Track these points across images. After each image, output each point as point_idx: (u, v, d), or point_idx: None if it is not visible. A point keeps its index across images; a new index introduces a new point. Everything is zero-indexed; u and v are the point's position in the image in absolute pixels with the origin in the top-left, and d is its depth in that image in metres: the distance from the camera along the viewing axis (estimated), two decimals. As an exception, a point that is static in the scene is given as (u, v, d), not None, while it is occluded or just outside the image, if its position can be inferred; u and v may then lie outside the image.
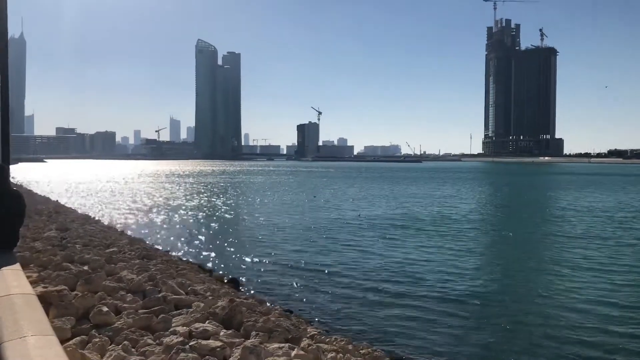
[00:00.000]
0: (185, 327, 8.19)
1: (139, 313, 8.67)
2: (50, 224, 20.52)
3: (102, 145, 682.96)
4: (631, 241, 28.93)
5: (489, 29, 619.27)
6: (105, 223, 31.69)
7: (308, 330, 10.72)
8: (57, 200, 44.83)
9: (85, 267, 11.73)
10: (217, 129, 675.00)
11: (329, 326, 13.99)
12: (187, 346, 7.06)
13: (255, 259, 23.79)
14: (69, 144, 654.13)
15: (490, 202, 60.66)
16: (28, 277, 9.72)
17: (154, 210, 46.96)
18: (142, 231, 32.56)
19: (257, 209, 48.73)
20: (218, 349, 7.23)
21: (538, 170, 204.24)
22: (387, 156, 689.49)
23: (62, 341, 6.82)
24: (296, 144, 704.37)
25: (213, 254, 25.26)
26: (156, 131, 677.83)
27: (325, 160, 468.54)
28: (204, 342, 7.36)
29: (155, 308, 9.14)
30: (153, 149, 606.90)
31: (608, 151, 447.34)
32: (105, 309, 8.27)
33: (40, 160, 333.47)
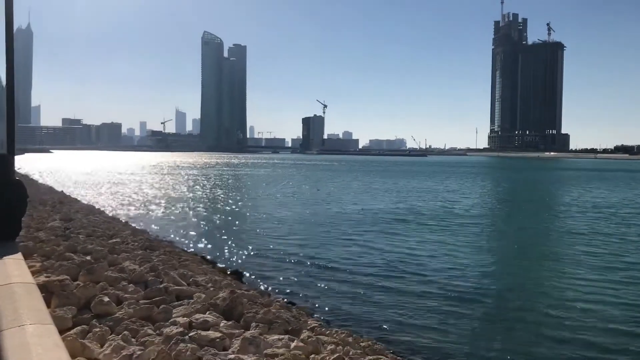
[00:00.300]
0: (185, 318, 8.23)
1: (140, 303, 8.72)
2: (54, 214, 20.62)
3: (108, 137, 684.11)
4: (635, 238, 28.82)
5: (496, 23, 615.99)
6: (109, 214, 31.83)
7: (308, 322, 10.75)
8: (61, 191, 45.02)
9: (88, 257, 11.79)
10: (222, 121, 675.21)
11: (330, 318, 14.02)
12: (187, 337, 7.10)
13: (259, 251, 23.84)
14: (75, 135, 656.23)
15: (494, 197, 60.54)
16: (31, 266, 9.78)
17: (159, 201, 47.09)
18: (146, 222, 32.65)
19: (261, 202, 48.81)
20: (218, 339, 7.27)
21: (543, 165, 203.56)
22: (392, 150, 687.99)
23: (63, 330, 6.88)
24: (301, 137, 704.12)
25: (216, 246, 25.32)
26: (162, 123, 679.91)
27: (330, 154, 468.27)
28: (203, 332, 7.40)
29: (157, 299, 9.18)
30: (158, 141, 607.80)
31: (614, 147, 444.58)
32: (106, 299, 8.32)
33: (46, 150, 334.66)
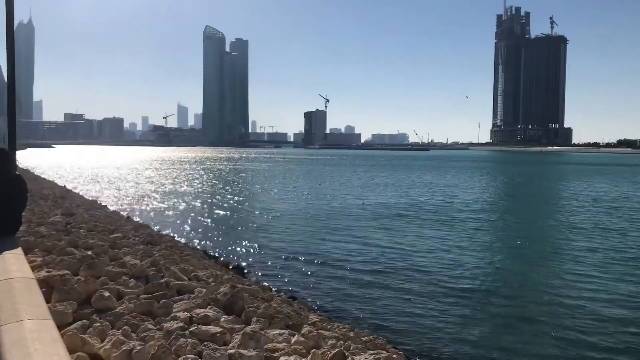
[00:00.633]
0: (186, 313, 8.21)
1: (141, 298, 8.70)
2: (56, 209, 20.62)
3: (110, 131, 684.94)
4: (636, 233, 28.73)
5: (499, 16, 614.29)
6: (111, 209, 31.84)
7: (310, 317, 10.74)
8: (64, 186, 45.06)
9: (89, 252, 11.77)
10: (224, 115, 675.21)
11: (332, 313, 14.03)
12: (187, 332, 7.09)
13: (261, 246, 23.84)
14: (77, 130, 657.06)
15: (496, 191, 60.43)
16: (32, 261, 9.78)
17: (160, 196, 47.12)
18: (148, 217, 32.68)
19: (262, 196, 48.81)
20: (218, 334, 7.25)
21: (546, 159, 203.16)
22: (395, 144, 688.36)
23: (64, 325, 6.87)
24: (303, 131, 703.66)
25: (218, 241, 25.35)
26: (164, 118, 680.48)
27: (333, 148, 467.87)
28: (204, 327, 7.38)
29: (157, 293, 9.16)
30: (160, 136, 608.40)
31: (617, 141, 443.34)
32: (106, 293, 8.30)
33: (49, 145, 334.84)
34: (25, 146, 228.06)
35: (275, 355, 6.87)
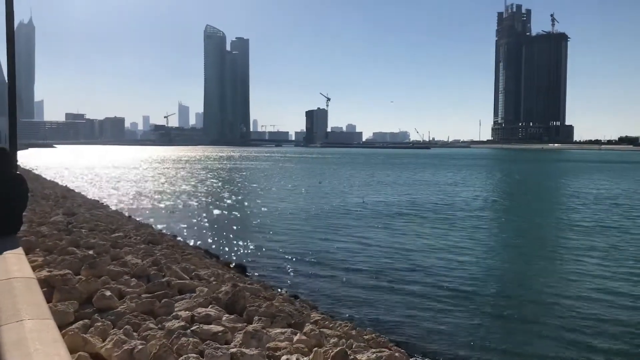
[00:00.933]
0: (187, 312, 8.18)
1: (142, 297, 8.68)
2: (57, 209, 20.60)
3: (111, 131, 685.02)
4: (637, 231, 28.67)
5: (500, 14, 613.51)
6: (113, 208, 31.83)
7: (312, 315, 10.71)
8: (65, 185, 45.06)
9: (91, 252, 11.74)
10: (225, 115, 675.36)
11: (334, 312, 14.00)
12: (189, 331, 7.06)
13: (262, 245, 23.83)
14: (79, 130, 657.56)
15: (497, 189, 60.38)
16: (34, 261, 9.75)
17: (162, 195, 47.12)
18: (149, 216, 32.67)
19: (263, 195, 48.81)
20: (220, 333, 7.21)
21: (547, 157, 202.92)
22: (396, 142, 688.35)
23: (65, 325, 6.84)
24: (304, 130, 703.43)
25: (220, 240, 25.33)
26: (165, 117, 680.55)
27: (334, 147, 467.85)
28: (205, 326, 7.35)
29: (159, 293, 9.13)
30: (162, 135, 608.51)
31: (619, 138, 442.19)
32: (108, 293, 8.27)
33: (50, 145, 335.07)
34: (26, 146, 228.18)
35: (277, 354, 6.84)
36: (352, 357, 6.85)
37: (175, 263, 12.36)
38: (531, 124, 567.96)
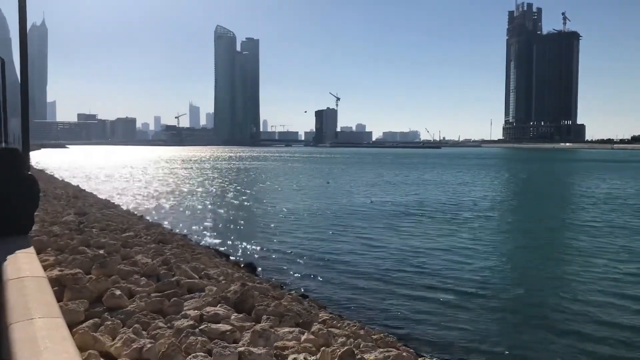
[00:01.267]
0: (196, 311, 8.24)
1: (152, 297, 8.75)
2: (69, 209, 20.79)
3: (123, 131, 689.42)
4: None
5: (510, 13, 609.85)
6: (124, 208, 32.05)
7: (320, 315, 10.74)
8: (77, 185, 45.42)
9: (101, 251, 11.86)
10: (235, 115, 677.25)
11: (343, 311, 14.02)
12: (197, 330, 7.12)
13: (271, 245, 23.91)
14: (90, 130, 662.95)
15: (507, 189, 60.09)
16: (45, 260, 9.87)
17: (173, 195, 47.38)
18: (160, 216, 32.88)
19: (272, 195, 48.92)
20: (228, 332, 7.27)
21: (559, 156, 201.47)
22: (406, 142, 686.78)
23: (76, 324, 6.93)
24: (314, 130, 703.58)
25: (229, 239, 25.43)
26: (176, 117, 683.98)
27: (344, 147, 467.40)
28: (213, 325, 7.40)
29: (168, 292, 9.20)
30: (173, 135, 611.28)
31: (632, 137, 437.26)
32: (118, 292, 8.35)
33: (62, 146, 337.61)
34: (39, 147, 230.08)
35: (284, 353, 6.88)
36: (359, 356, 6.87)
37: (185, 262, 12.44)
38: (542, 123, 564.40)
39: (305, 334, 7.89)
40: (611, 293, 16.17)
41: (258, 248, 23.24)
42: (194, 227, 28.96)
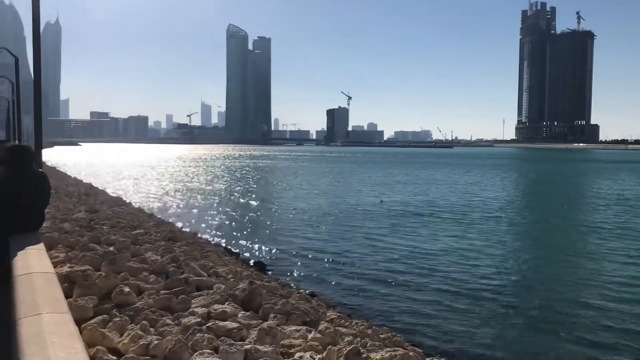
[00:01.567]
0: (204, 308, 8.28)
1: (160, 294, 8.81)
2: (80, 206, 20.95)
3: (135, 130, 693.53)
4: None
5: (524, 12, 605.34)
6: (134, 205, 32.25)
7: (328, 313, 10.75)
8: (89, 183, 45.77)
9: (111, 248, 11.95)
10: (247, 113, 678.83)
11: (351, 311, 14.03)
12: (204, 327, 7.15)
13: (281, 243, 23.96)
14: (103, 128, 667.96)
15: (519, 190, 59.74)
16: (56, 257, 9.97)
17: (183, 193, 47.61)
18: (171, 214, 33.08)
19: (282, 194, 49.01)
20: (235, 330, 7.30)
21: (572, 157, 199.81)
22: (418, 141, 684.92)
23: (85, 320, 6.99)
24: (325, 129, 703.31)
25: (239, 237, 25.53)
26: (188, 116, 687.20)
27: (355, 146, 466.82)
28: (221, 323, 7.44)
29: (177, 289, 9.25)
30: (184, 134, 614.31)
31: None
32: (126, 289, 8.41)
33: (75, 143, 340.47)
34: (52, 144, 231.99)
35: (291, 351, 6.89)
36: (365, 355, 6.86)
37: (194, 260, 12.50)
38: (556, 123, 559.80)
39: (312, 332, 7.90)
40: (623, 299, 15.95)
41: (268, 247, 23.30)
42: (203, 225, 29.09)
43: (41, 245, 7.48)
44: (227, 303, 8.82)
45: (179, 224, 27.42)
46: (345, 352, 6.68)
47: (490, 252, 22.59)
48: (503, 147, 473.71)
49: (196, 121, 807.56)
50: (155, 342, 6.25)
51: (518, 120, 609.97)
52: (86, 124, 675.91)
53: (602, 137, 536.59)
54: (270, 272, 18.20)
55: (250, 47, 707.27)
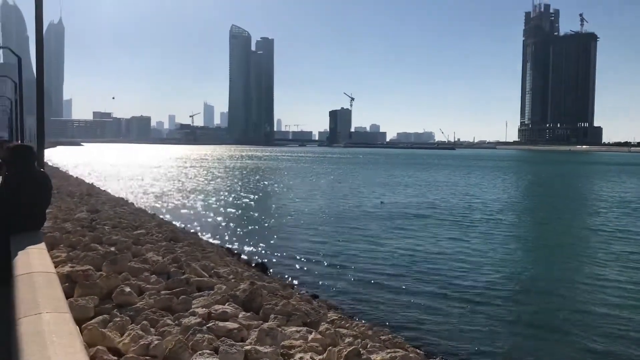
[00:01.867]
0: (205, 309, 8.28)
1: (161, 294, 8.81)
2: (82, 206, 20.99)
3: (138, 130, 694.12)
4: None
5: (527, 14, 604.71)
6: (136, 206, 32.28)
7: (329, 315, 10.75)
8: (91, 183, 45.83)
9: (113, 248, 11.97)
10: (250, 114, 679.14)
11: (352, 312, 14.02)
12: (205, 327, 7.16)
13: (283, 244, 23.96)
14: (106, 128, 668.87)
15: (520, 192, 59.64)
16: (57, 257, 9.98)
17: (185, 193, 47.64)
18: (172, 214, 33.09)
19: (284, 195, 49.01)
20: (235, 330, 7.30)
21: (575, 159, 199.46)
22: (420, 143, 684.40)
23: (85, 320, 7.00)
24: (328, 130, 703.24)
25: (240, 238, 25.54)
26: (190, 116, 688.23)
27: (357, 147, 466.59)
28: (221, 323, 7.44)
29: (178, 289, 9.26)
30: (187, 134, 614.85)
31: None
32: (127, 289, 8.41)
33: (78, 143, 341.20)
34: (54, 144, 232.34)
35: (291, 352, 6.89)
36: (365, 356, 6.87)
37: (195, 261, 12.51)
38: (559, 125, 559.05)
39: (313, 333, 7.90)
40: (624, 303, 15.87)
41: (269, 248, 23.30)
42: (205, 226, 29.10)
43: (42, 245, 7.48)
44: (227, 304, 8.82)
45: (181, 224, 27.44)
46: (345, 353, 6.68)
47: (490, 254, 22.56)
48: (505, 149, 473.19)
49: (199, 122, 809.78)
50: (156, 342, 6.26)
51: (521, 122, 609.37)
52: (89, 124, 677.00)
53: (605, 140, 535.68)
54: (271, 273, 18.20)
55: (253, 48, 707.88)
